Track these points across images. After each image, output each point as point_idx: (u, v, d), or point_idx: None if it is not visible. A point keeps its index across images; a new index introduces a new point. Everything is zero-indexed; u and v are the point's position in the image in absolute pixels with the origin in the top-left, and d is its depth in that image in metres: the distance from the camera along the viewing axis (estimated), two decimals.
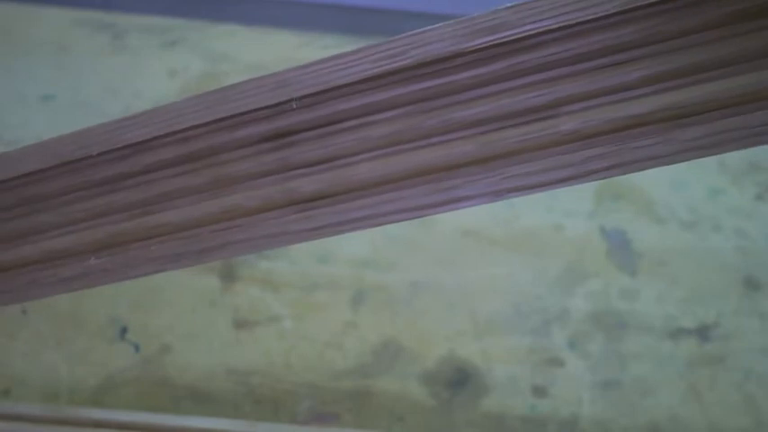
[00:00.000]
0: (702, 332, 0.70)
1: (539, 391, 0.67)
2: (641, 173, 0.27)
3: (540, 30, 0.25)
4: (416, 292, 0.72)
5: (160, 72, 0.89)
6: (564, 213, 0.77)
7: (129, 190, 0.30)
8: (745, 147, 0.24)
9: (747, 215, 0.77)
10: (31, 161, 0.30)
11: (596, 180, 0.25)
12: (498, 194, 0.27)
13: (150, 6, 0.94)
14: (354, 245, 0.74)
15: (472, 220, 0.76)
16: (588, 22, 0.24)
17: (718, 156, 0.26)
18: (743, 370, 0.68)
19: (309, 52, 0.91)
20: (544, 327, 0.70)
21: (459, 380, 0.67)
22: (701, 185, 0.79)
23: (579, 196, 0.78)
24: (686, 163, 0.26)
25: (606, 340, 0.70)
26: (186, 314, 0.71)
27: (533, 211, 0.78)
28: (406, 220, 0.28)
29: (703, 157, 0.24)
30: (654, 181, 0.79)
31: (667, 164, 0.24)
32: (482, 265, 0.74)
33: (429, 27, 0.26)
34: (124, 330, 0.70)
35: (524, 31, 0.25)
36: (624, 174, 0.25)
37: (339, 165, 0.28)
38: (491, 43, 0.25)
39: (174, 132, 0.28)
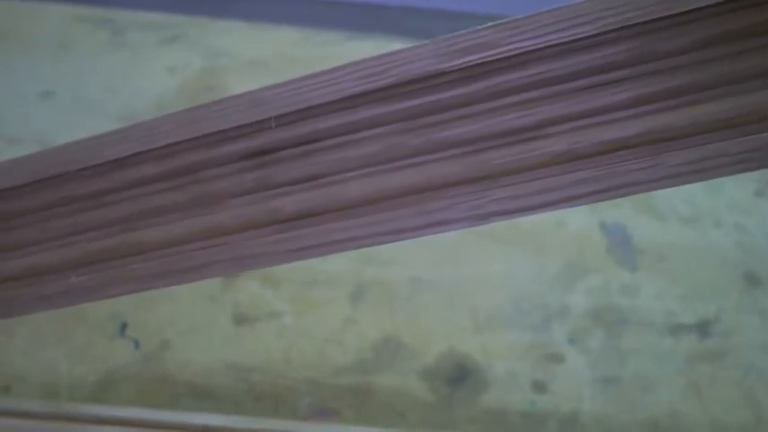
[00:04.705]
0: (702, 328, 0.70)
1: (539, 387, 0.67)
2: None
3: (525, 49, 0.24)
4: (416, 288, 0.72)
5: (160, 69, 0.89)
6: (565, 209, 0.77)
7: (109, 207, 0.30)
8: (735, 173, 0.23)
9: (747, 211, 0.77)
10: (10, 177, 0.30)
11: (583, 204, 0.25)
12: (484, 218, 0.26)
13: (150, 3, 0.94)
14: None
15: None
16: (574, 41, 0.24)
17: None
18: (743, 366, 0.68)
19: (308, 48, 0.90)
20: (544, 323, 0.70)
21: (459, 376, 0.67)
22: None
23: None
24: None
25: (606, 336, 0.69)
26: (186, 310, 0.70)
27: None
28: (391, 242, 0.27)
29: (692, 182, 0.24)
30: None
31: (656, 189, 0.24)
32: (482, 262, 0.74)
33: (411, 46, 0.25)
34: (124, 326, 0.70)
35: (508, 51, 0.24)
36: (611, 198, 0.25)
37: (321, 184, 0.28)
38: (474, 62, 0.25)
39: (155, 149, 0.28)
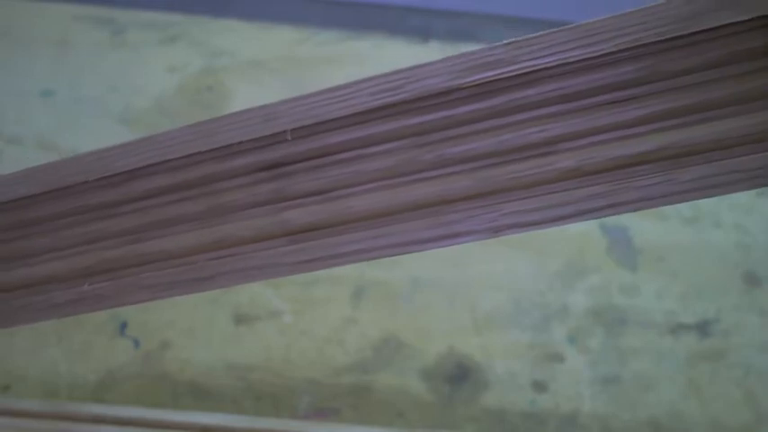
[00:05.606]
0: (702, 327, 0.70)
1: (539, 387, 0.67)
2: None
3: (538, 67, 0.24)
4: (417, 287, 0.72)
5: (160, 68, 0.89)
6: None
7: (123, 216, 0.30)
8: (748, 189, 0.23)
9: (748, 211, 0.77)
10: (25, 186, 0.30)
11: (595, 218, 0.25)
12: (497, 230, 0.26)
13: (150, 2, 0.94)
14: None
15: None
16: (587, 59, 0.24)
17: None
18: (743, 365, 0.68)
19: (308, 48, 0.90)
20: (544, 322, 0.70)
21: (459, 375, 0.67)
22: None
23: None
24: None
25: (606, 336, 0.70)
26: (186, 309, 0.70)
27: None
28: (402, 254, 0.27)
29: (703, 198, 0.24)
30: None
31: (666, 204, 0.24)
32: (482, 261, 0.74)
33: (425, 62, 0.26)
34: (124, 326, 0.70)
35: (522, 68, 0.25)
36: (624, 213, 0.25)
37: (333, 197, 0.28)
38: (488, 79, 0.25)
39: (169, 160, 0.28)
